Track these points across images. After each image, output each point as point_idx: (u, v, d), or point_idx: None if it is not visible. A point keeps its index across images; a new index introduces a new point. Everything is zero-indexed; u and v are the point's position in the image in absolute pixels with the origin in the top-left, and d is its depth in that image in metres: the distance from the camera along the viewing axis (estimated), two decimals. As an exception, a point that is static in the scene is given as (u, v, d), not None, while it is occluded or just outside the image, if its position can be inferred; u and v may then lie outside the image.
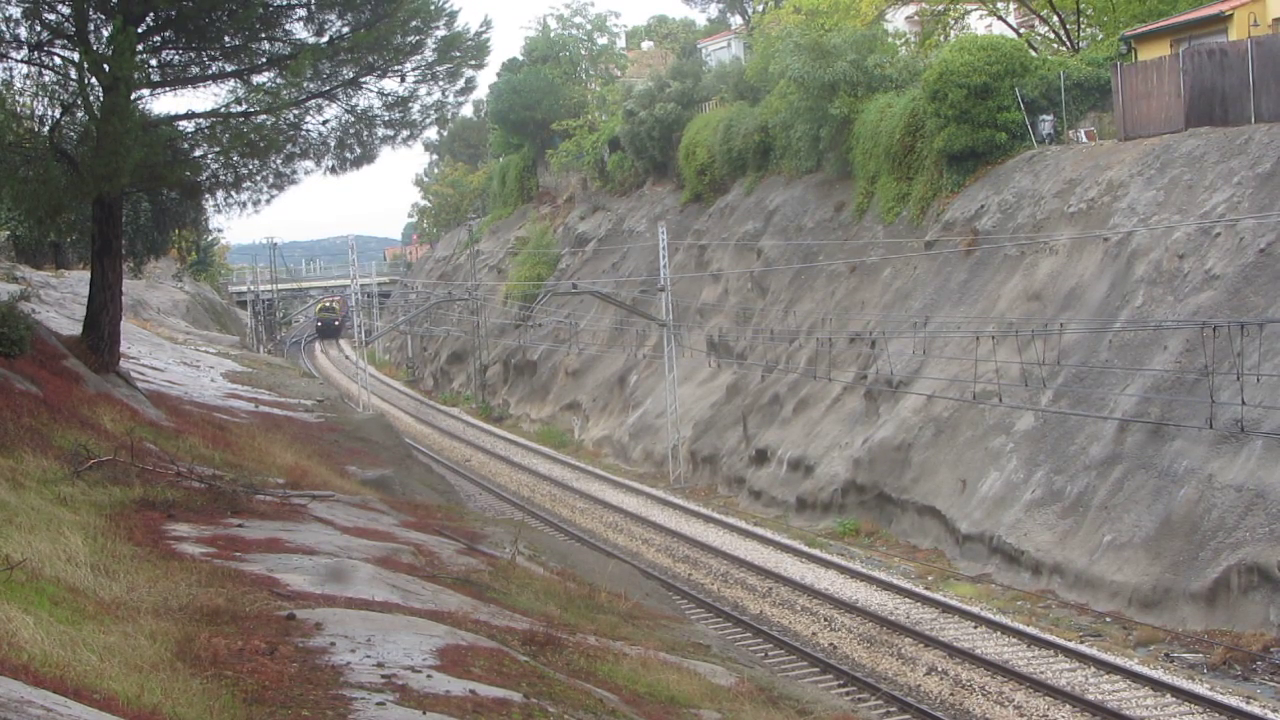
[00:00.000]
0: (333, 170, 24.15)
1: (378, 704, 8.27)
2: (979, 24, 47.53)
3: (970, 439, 30.54)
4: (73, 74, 21.17)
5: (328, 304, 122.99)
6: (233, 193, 23.87)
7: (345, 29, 22.55)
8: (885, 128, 40.47)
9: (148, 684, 7.76)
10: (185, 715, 7.42)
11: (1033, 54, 39.59)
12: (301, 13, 22.39)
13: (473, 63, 23.94)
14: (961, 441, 30.78)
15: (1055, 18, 44.39)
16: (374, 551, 14.81)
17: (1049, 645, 22.37)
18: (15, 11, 20.66)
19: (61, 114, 21.44)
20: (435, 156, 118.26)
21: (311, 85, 22.48)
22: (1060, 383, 28.60)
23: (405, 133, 24.38)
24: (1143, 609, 23.48)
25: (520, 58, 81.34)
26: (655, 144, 60.85)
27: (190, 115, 22.71)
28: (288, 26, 22.73)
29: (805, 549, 30.99)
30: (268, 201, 24.35)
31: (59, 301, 43.72)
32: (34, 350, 20.44)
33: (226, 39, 22.22)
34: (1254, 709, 18.80)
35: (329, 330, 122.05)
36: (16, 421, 16.12)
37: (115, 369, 23.95)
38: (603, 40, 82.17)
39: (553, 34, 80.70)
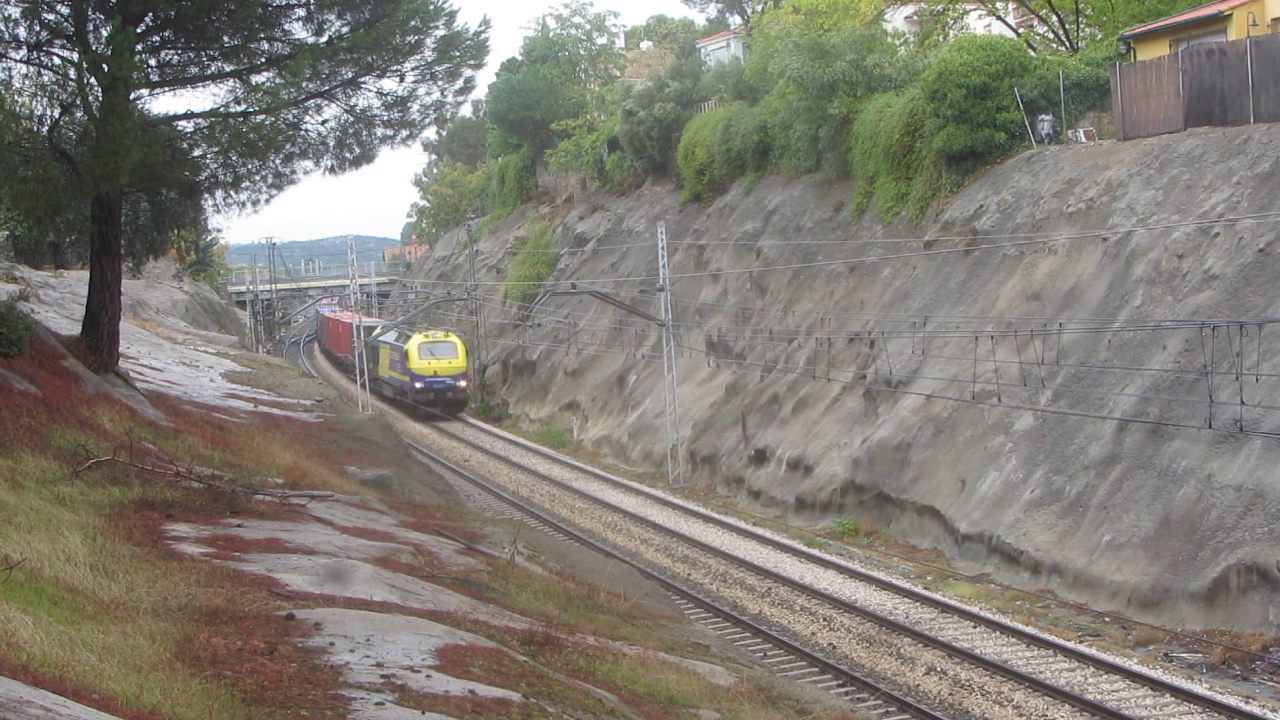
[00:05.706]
0: (332, 170, 24.24)
1: (377, 704, 8.27)
2: (978, 24, 47.55)
3: (969, 439, 30.54)
4: (72, 74, 21.19)
5: (435, 337, 59.93)
6: (232, 192, 23.93)
7: (344, 29, 22.59)
8: (884, 128, 40.47)
9: (147, 684, 7.75)
10: (184, 715, 7.42)
11: (1032, 54, 39.58)
12: (301, 13, 22.43)
13: (472, 62, 24.00)
14: (960, 441, 30.77)
15: (1054, 17, 44.41)
16: (373, 551, 14.81)
17: (1048, 645, 22.38)
18: (14, 11, 20.71)
19: (61, 114, 21.45)
20: (434, 156, 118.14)
21: (310, 85, 22.52)
22: (1059, 383, 28.60)
23: (404, 133, 24.45)
24: (1142, 609, 23.49)
25: (519, 57, 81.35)
26: (654, 144, 60.85)
27: (189, 115, 22.75)
28: (287, 26, 22.80)
29: (804, 549, 30.98)
30: (267, 201, 24.44)
31: (58, 301, 43.73)
32: (33, 350, 20.45)
33: (225, 39, 22.25)
34: (1253, 709, 18.80)
35: (445, 403, 59.95)
36: (16, 421, 16.11)
37: (114, 369, 23.97)
38: (602, 40, 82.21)
39: (552, 34, 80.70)
